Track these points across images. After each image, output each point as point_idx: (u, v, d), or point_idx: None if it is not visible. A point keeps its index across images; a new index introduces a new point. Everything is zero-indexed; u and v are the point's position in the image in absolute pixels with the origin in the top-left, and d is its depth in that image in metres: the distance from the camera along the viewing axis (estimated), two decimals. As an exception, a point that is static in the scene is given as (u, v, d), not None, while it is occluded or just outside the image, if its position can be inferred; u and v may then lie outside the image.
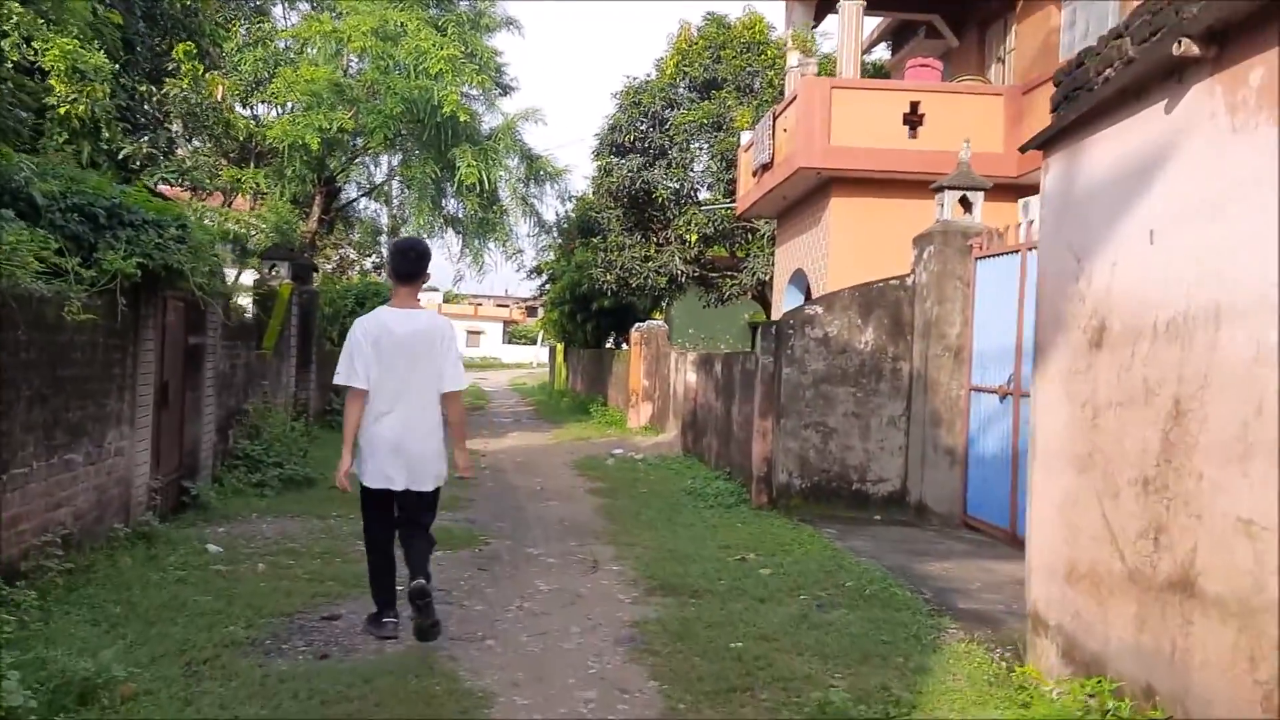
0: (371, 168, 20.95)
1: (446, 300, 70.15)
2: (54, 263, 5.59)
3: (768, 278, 18.97)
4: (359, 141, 18.14)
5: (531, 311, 75.91)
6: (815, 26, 15.76)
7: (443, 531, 8.03)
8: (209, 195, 13.51)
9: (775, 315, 15.96)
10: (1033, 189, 11.19)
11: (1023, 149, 5.09)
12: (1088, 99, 4.32)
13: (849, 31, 13.31)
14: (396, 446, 5.04)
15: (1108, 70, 4.17)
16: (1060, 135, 4.68)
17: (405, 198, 19.94)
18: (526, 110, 18.61)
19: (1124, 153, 4.13)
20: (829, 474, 9.19)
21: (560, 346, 33.19)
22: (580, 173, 69.74)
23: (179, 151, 12.01)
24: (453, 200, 19.05)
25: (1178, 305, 3.67)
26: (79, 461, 6.04)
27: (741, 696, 4.40)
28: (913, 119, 12.14)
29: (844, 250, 12.42)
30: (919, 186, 11.91)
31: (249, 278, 13.50)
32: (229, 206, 16.94)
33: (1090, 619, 4.21)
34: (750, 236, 19.66)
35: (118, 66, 10.05)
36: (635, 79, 21.19)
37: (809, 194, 13.49)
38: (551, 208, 45.71)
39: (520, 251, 21.13)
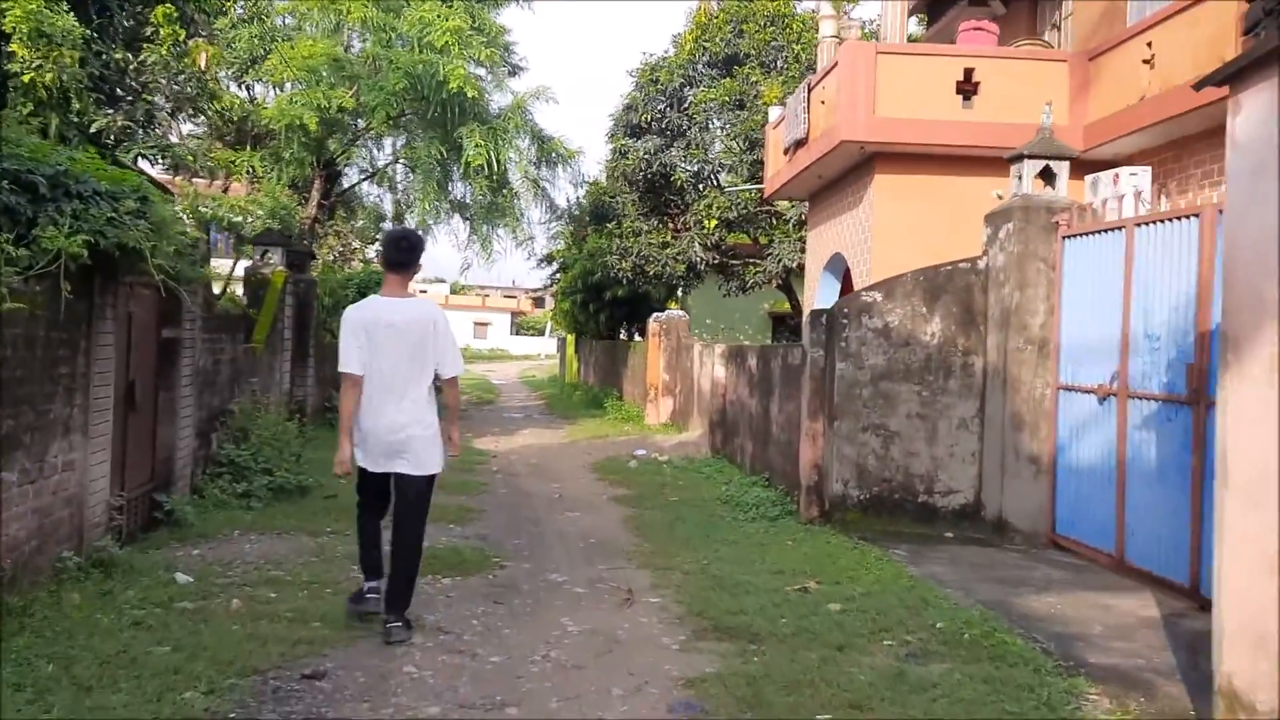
0: (374, 150, 19.91)
1: (454, 291, 69.03)
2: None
3: (795, 264, 17.85)
4: (360, 122, 17.15)
5: (539, 302, 74.84)
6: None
7: (452, 553, 7.01)
8: (194, 175, 12.45)
9: (806, 303, 14.82)
10: (1102, 165, 10.11)
11: (1200, 84, 3.96)
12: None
13: (893, -7, 12.17)
14: (392, 432, 5.14)
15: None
16: (1260, 63, 3.56)
17: (410, 182, 18.85)
18: (538, 88, 17.54)
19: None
20: (890, 484, 8.06)
21: (571, 338, 32.08)
22: (593, 157, 68.58)
23: (159, 129, 10.88)
24: (460, 184, 18.03)
25: None
26: (11, 481, 4.98)
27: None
28: (966, 88, 10.99)
29: (889, 232, 11.32)
30: (972, 162, 10.88)
31: (243, 266, 12.47)
32: (224, 192, 16.02)
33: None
34: (775, 221, 18.51)
35: (90, 32, 8.99)
36: (652, 55, 20.10)
37: (848, 171, 12.36)
38: (563, 192, 44.63)
39: (531, 238, 20.11)
